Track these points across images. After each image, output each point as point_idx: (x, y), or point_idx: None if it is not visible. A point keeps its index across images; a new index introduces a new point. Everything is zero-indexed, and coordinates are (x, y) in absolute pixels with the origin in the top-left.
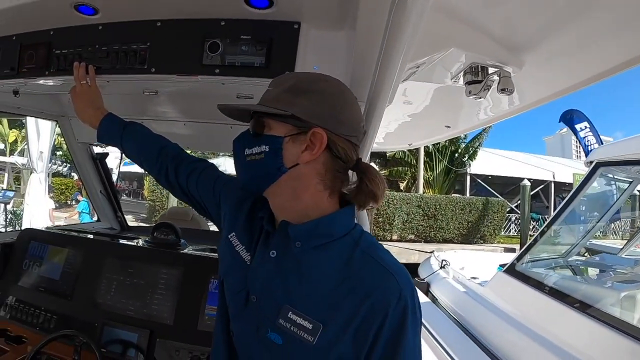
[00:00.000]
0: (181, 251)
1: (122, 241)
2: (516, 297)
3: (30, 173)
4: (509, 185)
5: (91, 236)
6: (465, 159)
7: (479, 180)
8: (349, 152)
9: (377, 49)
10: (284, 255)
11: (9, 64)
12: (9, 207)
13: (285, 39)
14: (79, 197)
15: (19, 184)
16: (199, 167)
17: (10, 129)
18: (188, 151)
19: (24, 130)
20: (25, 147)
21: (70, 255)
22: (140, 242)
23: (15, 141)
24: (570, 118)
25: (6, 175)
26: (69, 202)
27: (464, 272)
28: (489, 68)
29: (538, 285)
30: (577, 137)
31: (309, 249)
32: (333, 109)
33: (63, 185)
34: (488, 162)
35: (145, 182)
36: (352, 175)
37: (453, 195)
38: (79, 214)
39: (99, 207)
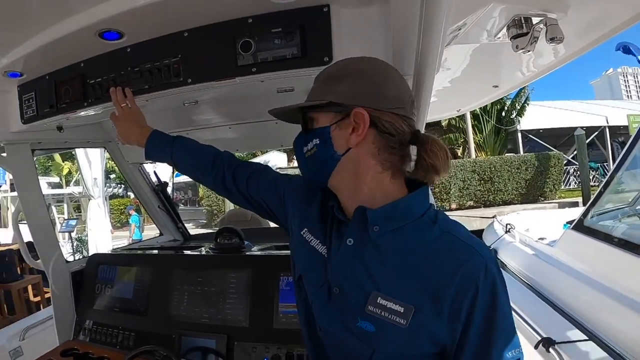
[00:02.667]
0: (246, 253)
1: (186, 252)
2: (588, 254)
3: (89, 200)
4: (562, 137)
5: (155, 252)
6: (514, 115)
7: (531, 136)
8: (396, 124)
9: (417, 18)
10: (361, 242)
11: (47, 103)
12: (73, 234)
13: (316, 24)
14: (131, 212)
15: (80, 212)
16: (256, 170)
17: (63, 161)
18: (237, 154)
19: (75, 161)
20: (80, 176)
21: (139, 273)
22: (205, 250)
23: (69, 172)
24: (627, 48)
25: (65, 205)
26: (129, 220)
27: (530, 233)
28: (533, 18)
29: (608, 238)
30: None
31: (387, 232)
32: (370, 85)
33: (121, 205)
34: (537, 116)
35: (199, 189)
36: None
37: (507, 155)
38: (134, 227)
39: (160, 221)
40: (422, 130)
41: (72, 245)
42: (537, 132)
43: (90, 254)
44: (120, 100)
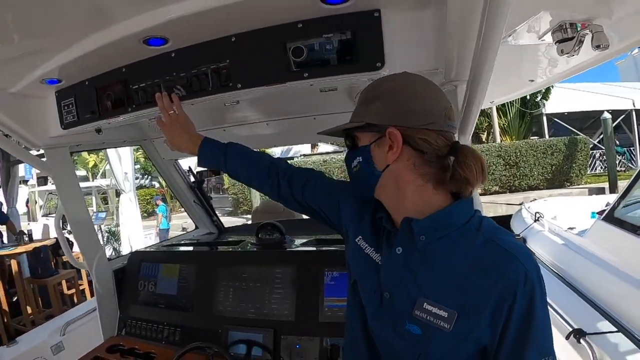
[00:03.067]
0: (289, 249)
1: (229, 248)
2: (618, 246)
3: (119, 194)
4: (587, 120)
5: (200, 248)
6: (539, 99)
7: (556, 119)
8: (430, 140)
9: (477, 23)
10: (409, 250)
11: (89, 108)
12: (103, 227)
13: (367, 29)
14: (158, 202)
15: (107, 204)
16: (311, 178)
17: (88, 154)
18: (272, 148)
19: (100, 154)
20: (107, 168)
21: (182, 270)
22: (248, 246)
23: (95, 165)
24: None
25: (94, 198)
26: (156, 210)
27: (557, 221)
28: (579, 24)
29: (639, 230)
30: None
31: (433, 241)
32: (400, 105)
33: (147, 195)
34: (562, 99)
35: (224, 178)
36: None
37: (532, 139)
38: (161, 217)
39: (195, 215)
40: (472, 130)
41: (102, 238)
42: (561, 116)
43: (123, 248)
44: (167, 106)
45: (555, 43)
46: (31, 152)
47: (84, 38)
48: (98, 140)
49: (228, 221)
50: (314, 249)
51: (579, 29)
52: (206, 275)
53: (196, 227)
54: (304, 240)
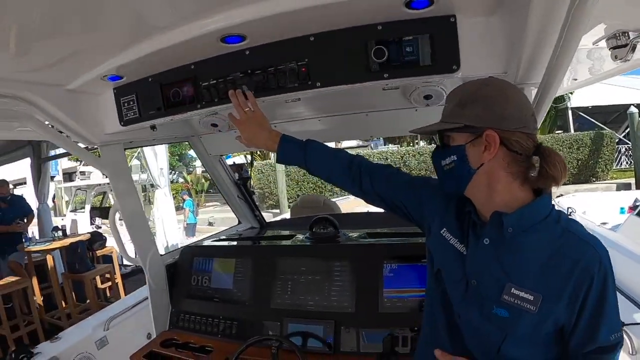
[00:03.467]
0: (344, 242)
1: (285, 242)
2: None
3: (155, 190)
4: (612, 114)
5: (254, 243)
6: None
7: (581, 113)
8: (522, 142)
9: (557, 32)
10: (497, 241)
11: (153, 105)
12: None
13: (444, 33)
14: (185, 197)
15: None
16: (392, 173)
17: None
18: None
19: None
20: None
21: (238, 264)
22: (301, 239)
23: None
24: None
25: None
26: (181, 205)
27: (587, 216)
28: (631, 33)
29: None
30: None
31: (519, 233)
32: (497, 109)
33: (173, 190)
34: (587, 92)
35: (249, 171)
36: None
37: (557, 133)
38: (188, 212)
39: (238, 210)
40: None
41: None
42: (586, 109)
43: (158, 243)
44: (242, 103)
45: (609, 49)
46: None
47: (158, 34)
48: (151, 136)
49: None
50: (373, 241)
51: (631, 37)
52: (263, 269)
53: (239, 222)
54: (357, 234)
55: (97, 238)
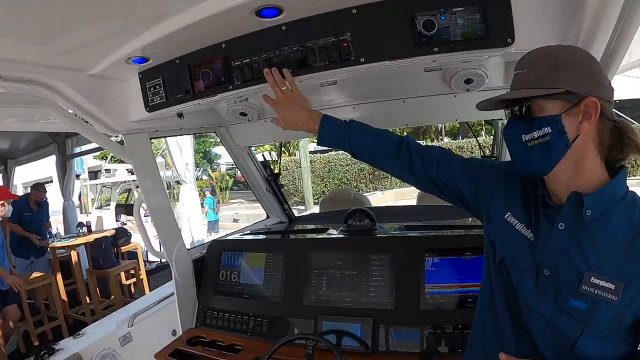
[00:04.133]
0: (381, 235)
1: (319, 235)
2: None
3: (180, 185)
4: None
5: (285, 236)
6: None
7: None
8: (612, 112)
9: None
10: (574, 225)
11: (181, 88)
12: None
13: (497, 4)
14: (207, 193)
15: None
16: (444, 155)
17: None
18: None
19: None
20: (160, 160)
21: (269, 258)
22: (335, 232)
23: None
24: None
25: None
26: (202, 202)
27: None
28: None
29: None
30: None
31: (597, 216)
32: (595, 75)
33: (197, 187)
34: (617, 86)
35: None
36: None
37: None
38: (208, 209)
39: (267, 204)
40: None
41: None
42: (616, 104)
43: (185, 238)
44: (279, 82)
45: None
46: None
47: (186, 9)
48: (177, 126)
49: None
50: (413, 234)
51: None
52: (296, 264)
53: (267, 217)
54: (394, 227)
55: (121, 234)
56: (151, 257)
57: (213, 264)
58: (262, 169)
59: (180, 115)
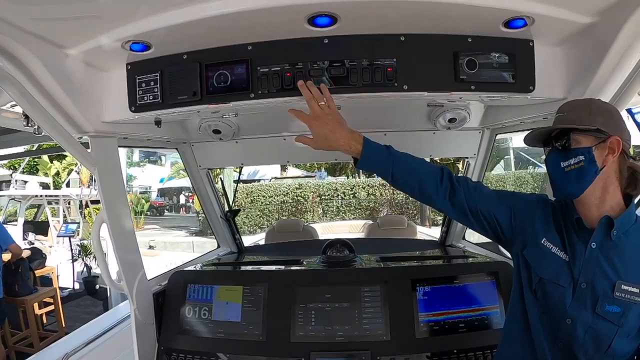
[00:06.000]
0: (364, 266)
1: (298, 267)
2: None
3: (87, 205)
4: None
5: (257, 268)
6: None
7: None
8: (630, 152)
9: (630, 67)
10: (603, 244)
11: (187, 88)
12: (74, 240)
13: (524, 55)
14: None
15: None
16: (480, 186)
17: (51, 161)
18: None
19: (64, 161)
20: (72, 177)
21: (247, 292)
22: (315, 264)
23: (58, 173)
24: None
25: (61, 208)
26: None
27: None
28: None
29: None
30: None
31: (621, 235)
32: (619, 121)
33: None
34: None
35: (195, 196)
36: None
37: None
38: None
39: (219, 232)
40: None
41: (71, 252)
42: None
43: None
44: (317, 96)
45: None
46: None
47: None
48: (147, 136)
49: (198, 241)
50: (401, 265)
51: None
52: (279, 298)
53: (218, 246)
54: (371, 258)
55: (36, 255)
56: (63, 283)
57: (177, 298)
58: (219, 200)
59: (158, 123)
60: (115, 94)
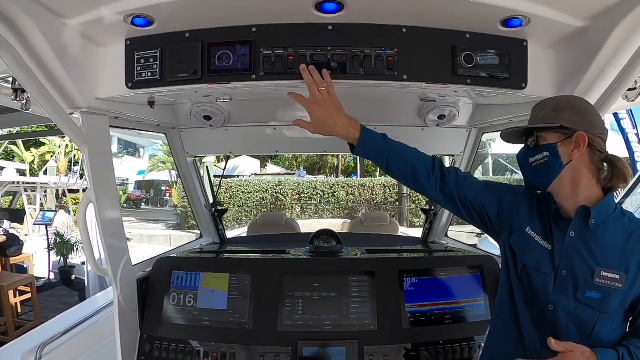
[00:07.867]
0: (344, 257)
1: (283, 256)
2: None
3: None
4: None
5: (247, 256)
6: None
7: None
8: (602, 145)
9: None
10: (582, 233)
11: (188, 67)
12: (51, 229)
13: (518, 54)
14: None
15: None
16: (469, 176)
17: (27, 149)
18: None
19: (41, 148)
20: (50, 166)
21: (233, 280)
22: (302, 254)
23: (33, 161)
24: None
25: (38, 196)
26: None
27: None
28: None
29: None
30: None
31: (598, 224)
32: (585, 117)
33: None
34: None
35: (174, 190)
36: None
37: None
38: None
39: (202, 221)
40: None
41: (48, 241)
42: None
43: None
44: (318, 81)
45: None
46: None
47: None
48: (138, 117)
49: (175, 235)
50: (389, 256)
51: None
52: (267, 286)
53: (201, 236)
54: (357, 250)
55: (12, 242)
56: (38, 273)
57: (161, 285)
58: (204, 189)
59: (152, 103)
60: (111, 70)
